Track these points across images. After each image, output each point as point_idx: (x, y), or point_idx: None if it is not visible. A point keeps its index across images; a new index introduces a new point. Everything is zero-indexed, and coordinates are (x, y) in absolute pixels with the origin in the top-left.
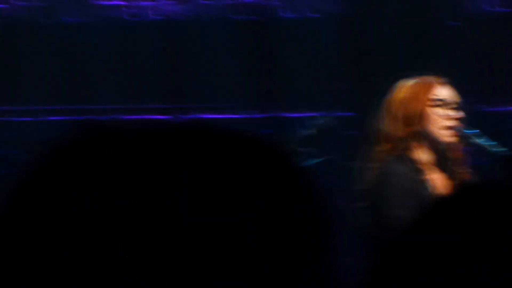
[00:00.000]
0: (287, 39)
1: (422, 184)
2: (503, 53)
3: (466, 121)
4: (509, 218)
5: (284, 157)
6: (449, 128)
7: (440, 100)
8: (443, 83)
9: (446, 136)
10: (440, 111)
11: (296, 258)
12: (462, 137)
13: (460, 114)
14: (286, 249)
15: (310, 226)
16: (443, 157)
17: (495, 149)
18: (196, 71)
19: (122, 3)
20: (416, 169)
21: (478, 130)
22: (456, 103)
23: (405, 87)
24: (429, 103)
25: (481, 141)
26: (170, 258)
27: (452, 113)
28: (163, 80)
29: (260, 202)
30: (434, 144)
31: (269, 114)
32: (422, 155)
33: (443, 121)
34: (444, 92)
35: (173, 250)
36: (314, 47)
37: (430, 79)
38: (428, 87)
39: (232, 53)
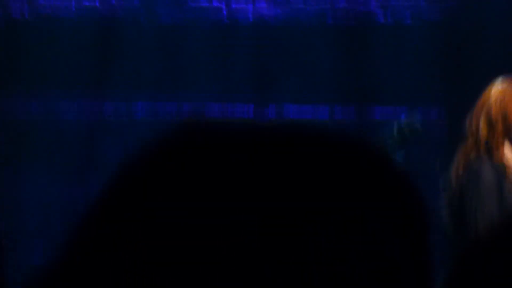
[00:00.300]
0: (384, 44)
1: (504, 188)
2: None
3: None
4: None
5: (384, 160)
6: None
7: None
8: None
9: None
10: None
11: (393, 259)
12: None
13: None
14: (384, 252)
15: (410, 229)
16: None
17: None
18: (292, 75)
19: (221, 5)
20: (500, 171)
21: None
22: None
23: (498, 88)
24: None
25: None
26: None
27: None
28: (257, 83)
29: (357, 206)
30: None
31: (358, 118)
32: (509, 157)
33: None
34: None
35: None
36: (411, 53)
37: None
38: None
39: (329, 58)
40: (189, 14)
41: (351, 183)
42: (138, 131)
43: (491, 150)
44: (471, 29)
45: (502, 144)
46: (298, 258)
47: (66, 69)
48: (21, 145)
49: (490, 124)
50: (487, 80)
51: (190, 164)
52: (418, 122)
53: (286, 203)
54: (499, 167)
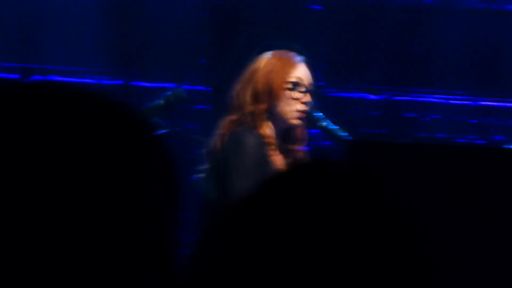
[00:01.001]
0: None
1: (266, 159)
2: (360, 39)
3: (314, 104)
4: (335, 194)
5: (139, 124)
6: (298, 109)
7: (296, 81)
8: (302, 63)
9: (293, 117)
10: (293, 92)
11: (142, 228)
12: (308, 119)
13: (311, 96)
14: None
15: (159, 195)
16: (287, 136)
17: (338, 133)
18: None
19: None
20: (263, 143)
21: (322, 114)
22: (309, 85)
23: (264, 62)
24: (284, 82)
25: (325, 124)
26: None
27: (303, 95)
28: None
29: (110, 165)
30: (280, 123)
31: (122, 82)
32: (269, 131)
33: (295, 102)
34: (300, 72)
35: None
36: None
37: (289, 57)
38: (286, 66)
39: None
40: None
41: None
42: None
43: (255, 122)
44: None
45: (266, 121)
46: None
47: None
48: None
49: (255, 97)
50: (254, 53)
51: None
52: (183, 91)
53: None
54: (261, 138)
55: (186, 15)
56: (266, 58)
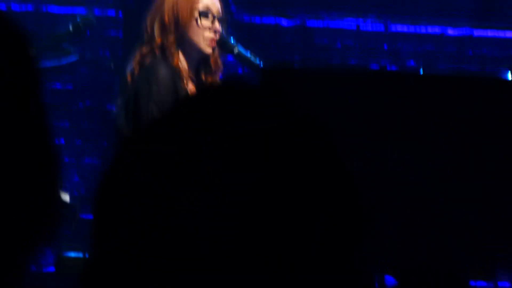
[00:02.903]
0: None
1: (179, 89)
2: None
3: (226, 31)
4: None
5: None
6: (210, 38)
7: (203, 10)
8: None
9: (206, 46)
10: (204, 20)
11: None
12: (221, 46)
13: (221, 24)
14: None
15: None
16: (201, 66)
17: (251, 60)
18: None
19: None
20: (175, 74)
21: (234, 41)
22: (218, 12)
23: None
24: (194, 10)
25: (238, 51)
26: None
27: (214, 22)
28: None
29: None
30: (193, 52)
31: (32, 7)
32: (182, 61)
33: (205, 31)
34: (210, 1)
35: None
36: None
37: None
38: None
39: None
40: None
41: None
42: None
43: (166, 53)
44: None
45: (178, 52)
46: None
47: None
48: None
49: (163, 28)
50: None
51: None
52: (93, 17)
53: None
54: (174, 68)
55: None
56: None
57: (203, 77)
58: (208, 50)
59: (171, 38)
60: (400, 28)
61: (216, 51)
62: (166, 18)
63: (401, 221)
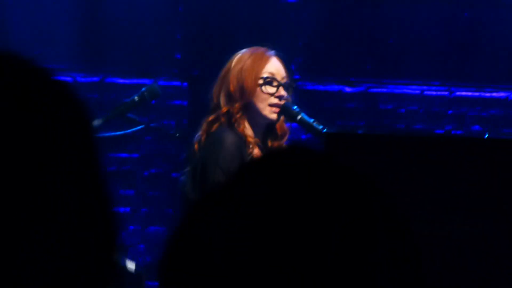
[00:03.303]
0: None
1: (246, 157)
2: (335, 32)
3: (290, 97)
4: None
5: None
6: (273, 104)
7: (268, 76)
8: (274, 58)
9: (270, 112)
10: (268, 87)
11: None
12: (286, 113)
13: (286, 90)
14: None
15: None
16: (267, 133)
17: (314, 126)
18: None
19: None
20: (242, 141)
21: (298, 107)
22: (283, 78)
23: (236, 60)
24: (256, 78)
25: (301, 117)
26: None
27: (279, 89)
28: None
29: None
30: (258, 118)
31: (98, 78)
32: (248, 128)
33: (269, 97)
34: (272, 67)
35: None
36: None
37: (260, 52)
38: (257, 62)
39: None
40: None
41: None
42: None
43: (232, 120)
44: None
45: (243, 120)
46: None
47: None
48: None
49: (229, 97)
50: (230, 50)
51: None
52: (158, 88)
53: None
54: (240, 135)
55: (161, 10)
56: (238, 56)
57: (270, 143)
58: (272, 116)
59: (237, 105)
60: (464, 92)
61: (281, 118)
62: (231, 87)
63: None
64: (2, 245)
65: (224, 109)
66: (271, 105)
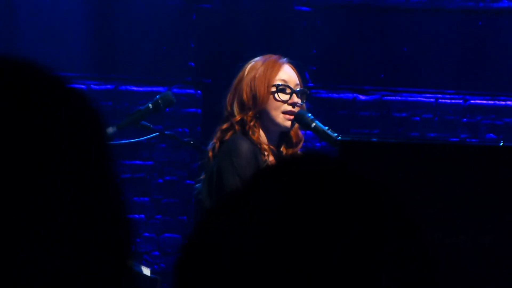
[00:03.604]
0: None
1: (260, 161)
2: (349, 40)
3: (305, 105)
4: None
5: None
6: (288, 111)
7: (280, 83)
8: (286, 65)
9: (284, 120)
10: (281, 94)
11: None
12: (300, 120)
13: (300, 97)
14: None
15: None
16: (282, 140)
17: (328, 134)
18: None
19: None
20: (257, 148)
21: (312, 115)
22: (296, 86)
23: (248, 69)
24: (268, 86)
25: (315, 125)
26: None
27: (292, 96)
28: None
29: None
30: (272, 126)
31: (112, 86)
32: (262, 135)
33: (280, 105)
34: (284, 74)
35: None
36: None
37: (272, 60)
38: (269, 69)
39: None
40: None
41: None
42: None
43: (245, 128)
44: (224, 8)
45: (257, 127)
46: None
47: None
48: None
49: (242, 105)
50: (245, 60)
51: None
52: (172, 95)
53: None
54: (254, 142)
55: (174, 19)
56: (251, 65)
57: (284, 150)
58: (286, 123)
59: (250, 113)
60: (478, 101)
61: (295, 125)
62: (244, 95)
63: None
64: (3, 245)
65: (238, 117)
66: (284, 113)
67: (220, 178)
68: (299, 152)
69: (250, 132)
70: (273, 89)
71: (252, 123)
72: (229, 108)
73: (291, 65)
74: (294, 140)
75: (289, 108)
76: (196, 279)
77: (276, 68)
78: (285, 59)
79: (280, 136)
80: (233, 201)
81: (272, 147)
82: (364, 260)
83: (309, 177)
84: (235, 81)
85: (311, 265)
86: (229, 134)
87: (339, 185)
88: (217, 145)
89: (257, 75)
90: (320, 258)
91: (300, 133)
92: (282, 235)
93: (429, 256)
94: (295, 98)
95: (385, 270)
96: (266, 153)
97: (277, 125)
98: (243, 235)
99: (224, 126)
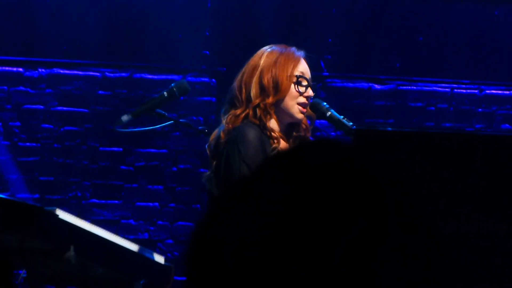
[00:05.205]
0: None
1: (267, 149)
2: (365, 29)
3: (318, 95)
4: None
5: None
6: (302, 103)
7: (302, 74)
8: (302, 59)
9: (297, 111)
10: (299, 86)
11: None
12: (316, 109)
13: (314, 92)
14: None
15: None
16: (290, 130)
17: (344, 123)
18: None
19: None
20: (265, 136)
21: (327, 104)
22: (311, 81)
23: (266, 56)
24: (293, 75)
25: (330, 114)
26: None
27: (308, 88)
28: None
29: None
30: (285, 116)
31: (127, 74)
32: (274, 125)
33: (298, 96)
34: (303, 67)
35: None
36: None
37: (292, 52)
38: (290, 60)
39: None
40: None
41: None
42: None
43: (261, 116)
44: None
45: (271, 116)
46: None
47: None
48: None
49: (262, 91)
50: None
51: None
52: (187, 84)
53: None
54: (266, 127)
55: (190, 7)
56: (267, 52)
57: (292, 141)
58: (299, 115)
59: (269, 101)
60: (494, 91)
61: (308, 115)
62: (265, 80)
63: None
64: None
65: (256, 101)
66: (299, 104)
67: (228, 165)
68: (308, 139)
69: (265, 120)
70: (294, 79)
71: (268, 110)
72: (244, 93)
73: (305, 60)
74: (303, 133)
75: (304, 100)
76: (204, 269)
77: (296, 59)
78: (301, 52)
79: (290, 126)
80: (241, 190)
81: (281, 135)
82: (366, 256)
83: (314, 170)
84: (249, 67)
85: (314, 260)
86: (242, 119)
87: (345, 179)
88: (229, 130)
89: (278, 63)
90: (322, 253)
91: (308, 123)
92: (285, 227)
93: (434, 253)
94: (310, 92)
95: (387, 267)
96: (276, 141)
97: (290, 115)
98: (248, 226)
99: (239, 111)
